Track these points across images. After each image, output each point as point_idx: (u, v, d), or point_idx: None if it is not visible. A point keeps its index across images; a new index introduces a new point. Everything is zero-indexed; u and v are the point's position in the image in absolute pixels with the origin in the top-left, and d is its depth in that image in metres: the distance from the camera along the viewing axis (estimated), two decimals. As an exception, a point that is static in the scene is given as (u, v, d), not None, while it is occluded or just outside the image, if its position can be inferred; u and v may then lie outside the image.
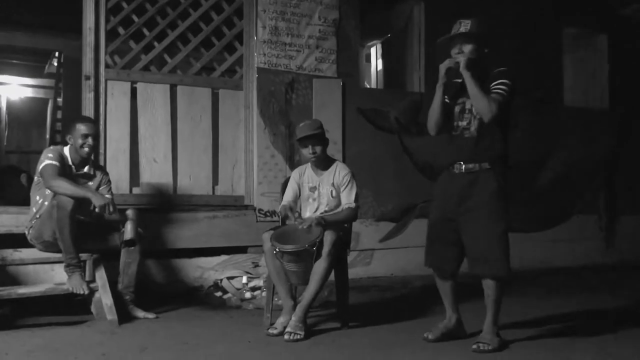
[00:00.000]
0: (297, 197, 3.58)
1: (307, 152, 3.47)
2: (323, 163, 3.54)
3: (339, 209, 3.49)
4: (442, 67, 3.00)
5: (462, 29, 2.98)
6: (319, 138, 3.47)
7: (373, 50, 7.15)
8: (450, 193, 3.04)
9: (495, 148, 2.97)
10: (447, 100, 3.07)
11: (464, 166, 3.00)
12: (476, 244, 2.93)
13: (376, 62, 7.13)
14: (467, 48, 2.98)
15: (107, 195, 3.59)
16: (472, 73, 2.93)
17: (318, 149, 3.46)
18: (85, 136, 3.56)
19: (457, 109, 3.07)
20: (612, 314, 3.97)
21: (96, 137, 3.67)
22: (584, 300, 4.40)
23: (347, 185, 3.47)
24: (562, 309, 4.01)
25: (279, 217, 3.82)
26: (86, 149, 3.58)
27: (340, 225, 3.40)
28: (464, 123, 3.03)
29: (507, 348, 2.96)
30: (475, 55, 2.97)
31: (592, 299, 4.44)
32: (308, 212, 3.56)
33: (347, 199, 3.47)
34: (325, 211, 3.49)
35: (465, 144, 3.00)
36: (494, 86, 2.93)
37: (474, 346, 2.89)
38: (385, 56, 6.89)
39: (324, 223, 3.26)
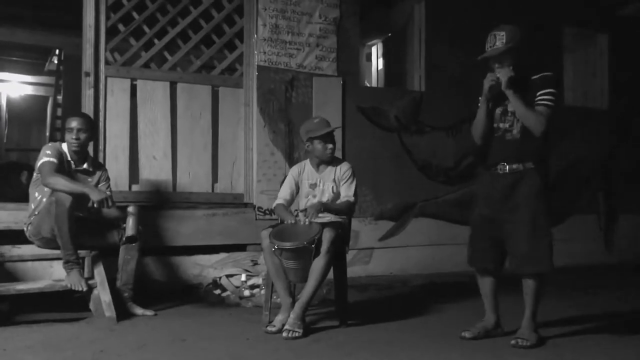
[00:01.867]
0: (295, 194, 3.59)
1: (324, 148, 3.49)
2: (331, 159, 3.57)
3: (339, 201, 3.51)
4: (486, 84, 2.97)
5: (499, 44, 2.94)
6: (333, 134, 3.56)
7: (374, 49, 7.16)
8: (493, 193, 3.03)
9: (539, 149, 2.97)
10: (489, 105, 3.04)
11: (507, 167, 2.99)
12: (521, 242, 2.94)
13: (377, 61, 7.14)
14: (507, 62, 2.94)
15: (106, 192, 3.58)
16: (515, 89, 2.91)
17: (334, 144, 3.52)
18: (72, 130, 3.54)
19: (498, 111, 3.04)
20: (623, 315, 3.93)
21: (86, 132, 3.58)
22: (591, 300, 4.40)
23: (347, 180, 3.51)
24: (574, 309, 3.99)
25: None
26: (73, 142, 3.55)
27: (338, 224, 3.40)
28: (506, 125, 3.01)
29: (544, 345, 2.98)
30: (515, 70, 2.93)
31: (599, 300, 4.43)
32: (307, 209, 3.57)
33: (347, 192, 3.50)
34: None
35: (507, 145, 2.99)
36: (540, 97, 2.91)
37: (513, 342, 2.93)
38: (385, 55, 6.89)
39: (322, 209, 3.30)
